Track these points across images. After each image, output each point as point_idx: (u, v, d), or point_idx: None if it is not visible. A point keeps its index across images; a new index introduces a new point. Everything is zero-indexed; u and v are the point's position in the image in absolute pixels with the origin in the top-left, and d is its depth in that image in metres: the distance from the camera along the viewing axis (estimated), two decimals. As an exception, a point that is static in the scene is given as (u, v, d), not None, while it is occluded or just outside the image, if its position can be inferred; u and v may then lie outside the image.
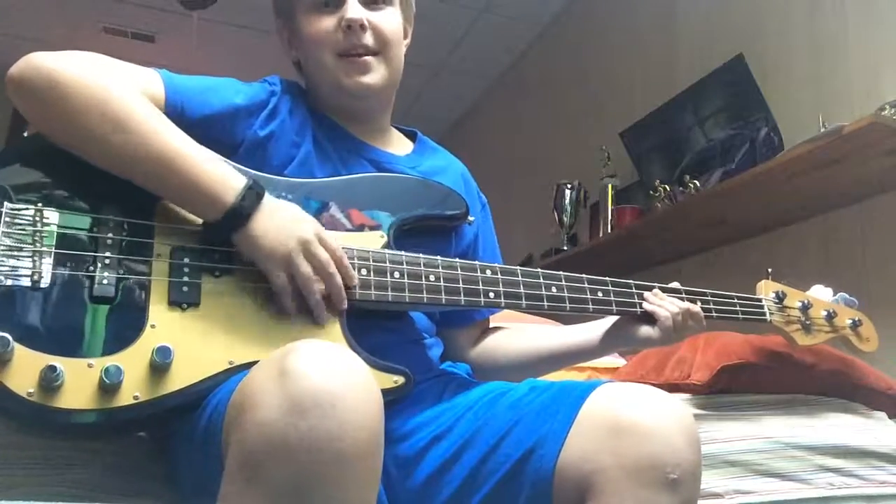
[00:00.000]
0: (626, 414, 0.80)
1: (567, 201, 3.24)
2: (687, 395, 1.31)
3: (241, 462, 0.65)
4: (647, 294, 1.12)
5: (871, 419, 1.36)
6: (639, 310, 1.11)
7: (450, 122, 4.93)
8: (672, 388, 1.34)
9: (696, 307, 1.13)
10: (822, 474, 1.23)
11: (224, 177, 0.88)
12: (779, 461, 1.21)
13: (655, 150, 2.85)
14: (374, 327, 0.96)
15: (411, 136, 1.22)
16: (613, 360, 1.76)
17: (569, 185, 3.24)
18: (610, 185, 2.99)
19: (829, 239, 2.20)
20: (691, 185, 2.40)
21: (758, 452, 1.21)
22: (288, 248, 0.88)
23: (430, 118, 4.56)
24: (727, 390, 1.33)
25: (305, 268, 0.88)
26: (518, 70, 4.22)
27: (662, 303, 1.11)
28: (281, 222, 0.89)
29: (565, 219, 3.25)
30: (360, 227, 1.01)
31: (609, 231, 2.91)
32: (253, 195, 0.88)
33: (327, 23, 1.08)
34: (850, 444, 1.27)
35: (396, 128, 1.22)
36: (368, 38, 1.08)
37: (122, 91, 0.89)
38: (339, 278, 0.90)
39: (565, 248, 3.24)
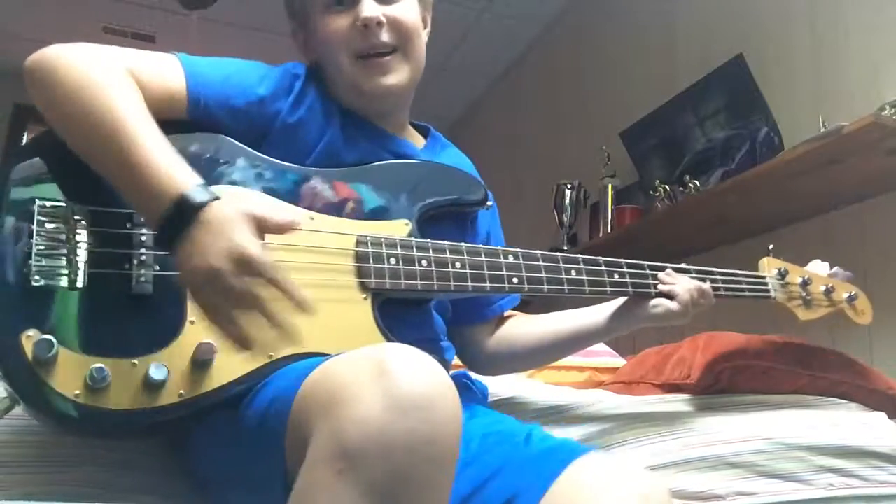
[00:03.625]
0: (598, 484, 0.80)
1: (567, 201, 3.24)
2: (687, 396, 1.31)
3: (334, 453, 0.64)
4: (660, 275, 1.14)
5: (871, 419, 1.36)
6: (653, 291, 1.13)
7: (450, 121, 4.93)
8: (672, 388, 1.35)
9: (706, 285, 1.15)
10: (823, 475, 1.23)
11: (160, 185, 0.78)
12: (779, 462, 1.21)
13: (655, 150, 2.85)
14: (398, 322, 0.96)
15: (424, 130, 1.22)
16: (613, 360, 1.76)
17: (569, 185, 3.24)
18: (610, 185, 2.99)
19: (829, 239, 2.20)
20: (691, 185, 2.40)
21: (758, 453, 1.21)
22: (194, 275, 0.76)
23: (431, 118, 4.52)
24: (727, 390, 1.33)
25: (212, 299, 0.76)
26: (518, 70, 4.22)
27: (677, 281, 1.13)
28: (204, 242, 0.76)
29: (565, 219, 3.25)
30: (343, 201, 0.99)
31: (609, 231, 2.91)
32: (183, 213, 0.77)
33: (342, 22, 1.04)
34: (851, 445, 1.26)
35: (410, 123, 1.21)
36: (386, 35, 1.05)
37: (102, 81, 0.85)
38: (263, 310, 0.76)
39: (565, 248, 3.24)
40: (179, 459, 0.94)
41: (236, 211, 0.79)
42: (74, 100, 0.84)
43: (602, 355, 1.77)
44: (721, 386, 1.32)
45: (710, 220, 2.39)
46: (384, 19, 1.04)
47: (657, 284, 1.14)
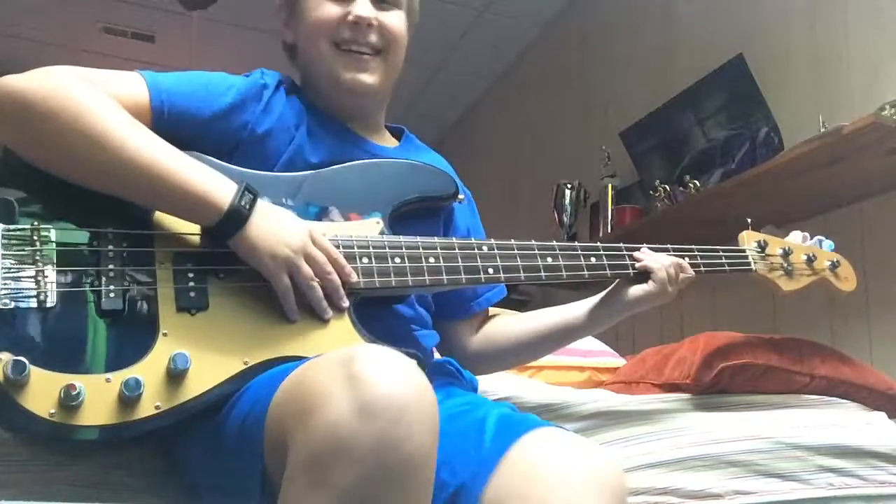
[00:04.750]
0: (543, 463, 0.79)
1: (567, 201, 3.24)
2: (687, 395, 1.31)
3: (307, 463, 0.64)
4: (636, 253, 1.14)
5: (871, 419, 1.36)
6: (632, 271, 1.13)
7: (450, 122, 4.93)
8: (672, 387, 1.35)
9: (684, 260, 1.16)
10: (822, 474, 1.23)
11: (216, 181, 0.88)
12: (779, 461, 1.21)
13: (655, 150, 2.85)
14: (372, 318, 0.96)
15: (398, 132, 1.22)
16: (613, 360, 1.76)
17: (569, 185, 3.24)
18: (610, 185, 2.99)
19: (829, 239, 2.19)
20: (691, 185, 2.40)
21: (758, 452, 1.21)
22: (288, 250, 0.88)
23: (430, 118, 4.55)
24: (727, 390, 1.33)
25: (306, 269, 0.89)
26: (518, 70, 4.22)
27: (653, 256, 1.13)
28: (277, 224, 0.89)
29: (565, 218, 3.25)
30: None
31: (609, 231, 2.91)
32: (248, 197, 0.88)
33: (333, 11, 1.06)
34: (850, 444, 1.27)
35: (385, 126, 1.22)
36: (374, 37, 1.07)
37: (99, 106, 0.86)
38: (336, 277, 0.91)
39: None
40: (172, 460, 0.94)
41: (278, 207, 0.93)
42: (72, 130, 0.84)
43: (602, 355, 1.77)
44: (721, 386, 1.32)
45: (710, 220, 2.39)
46: (375, 22, 1.06)
47: (635, 263, 1.13)
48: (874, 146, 1.83)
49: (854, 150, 1.86)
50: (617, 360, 1.76)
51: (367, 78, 1.08)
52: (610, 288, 1.17)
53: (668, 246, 1.18)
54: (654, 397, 1.31)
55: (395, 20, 1.10)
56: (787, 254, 1.30)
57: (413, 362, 0.70)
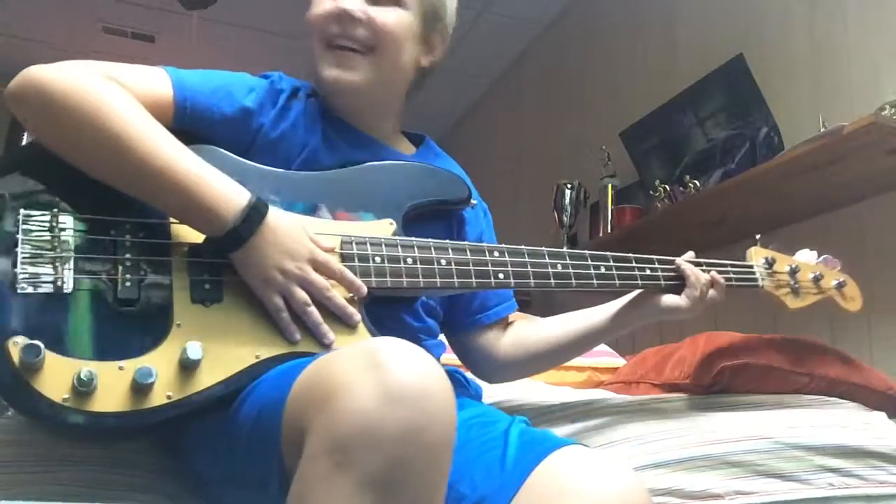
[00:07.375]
0: (571, 480, 0.80)
1: (567, 201, 3.24)
2: (687, 395, 1.31)
3: (329, 447, 0.65)
4: (678, 260, 1.16)
5: (871, 419, 1.36)
6: (640, 282, 1.13)
7: (450, 122, 4.93)
8: (672, 387, 1.35)
9: (720, 277, 1.16)
10: (822, 474, 1.23)
11: (225, 194, 0.86)
12: (779, 461, 1.21)
13: (655, 150, 2.85)
14: (381, 327, 0.95)
15: (418, 139, 1.21)
16: (613, 360, 1.76)
17: (569, 185, 3.24)
18: (610, 185, 2.99)
19: (829, 239, 2.19)
20: (691, 185, 2.40)
21: (758, 453, 1.20)
22: (280, 275, 0.87)
23: (430, 118, 4.55)
24: (727, 390, 1.33)
25: (300, 295, 0.88)
26: (518, 70, 4.22)
27: (692, 269, 1.15)
28: (277, 245, 0.88)
29: (565, 219, 3.25)
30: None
31: (609, 231, 2.91)
32: (255, 215, 0.87)
33: (325, 7, 1.04)
34: (850, 444, 1.26)
35: (403, 133, 1.21)
36: (361, 32, 1.03)
37: (118, 105, 0.86)
38: (337, 300, 0.90)
39: (565, 248, 3.24)
40: (175, 458, 0.94)
41: (293, 219, 0.92)
42: (90, 127, 0.85)
43: (602, 355, 1.77)
44: (721, 386, 1.32)
45: (710, 220, 2.39)
46: (363, 16, 1.03)
47: (653, 276, 1.14)
48: (874, 146, 1.83)
49: (854, 150, 1.86)
50: (617, 360, 1.76)
51: (349, 75, 1.04)
52: (638, 293, 1.17)
53: (680, 258, 1.18)
54: (654, 397, 1.31)
55: (390, 17, 1.04)
56: (794, 272, 1.31)
57: (432, 357, 0.71)
